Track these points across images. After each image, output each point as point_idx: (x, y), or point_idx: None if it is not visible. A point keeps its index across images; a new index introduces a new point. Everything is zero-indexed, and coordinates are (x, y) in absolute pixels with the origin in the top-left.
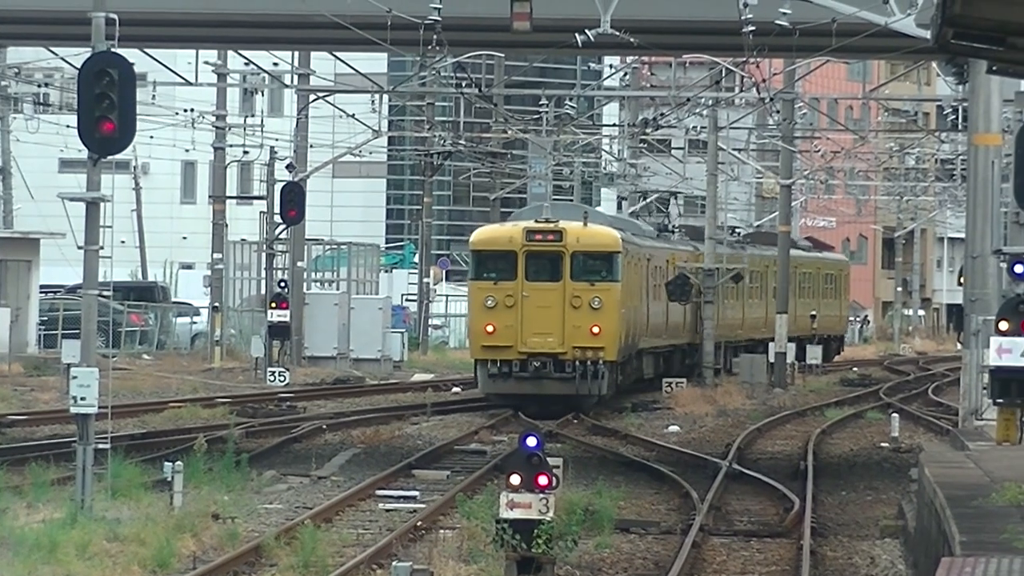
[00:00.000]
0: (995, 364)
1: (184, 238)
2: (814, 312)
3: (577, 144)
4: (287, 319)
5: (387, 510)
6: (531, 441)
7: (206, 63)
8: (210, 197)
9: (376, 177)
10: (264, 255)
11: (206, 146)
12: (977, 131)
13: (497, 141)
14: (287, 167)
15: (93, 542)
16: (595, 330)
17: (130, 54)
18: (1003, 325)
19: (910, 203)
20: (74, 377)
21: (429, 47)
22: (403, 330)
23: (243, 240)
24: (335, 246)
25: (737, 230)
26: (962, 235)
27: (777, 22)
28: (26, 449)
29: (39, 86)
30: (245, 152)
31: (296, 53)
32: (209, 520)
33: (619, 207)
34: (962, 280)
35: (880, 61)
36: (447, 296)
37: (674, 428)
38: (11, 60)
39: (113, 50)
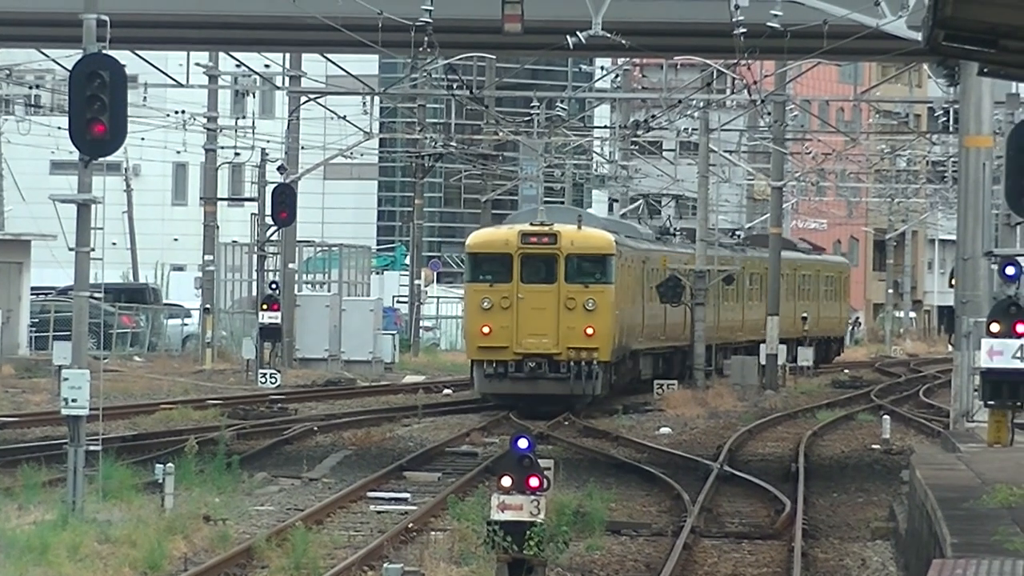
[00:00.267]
0: (986, 366)
1: (175, 240)
2: (805, 314)
3: (568, 146)
4: (278, 321)
5: (378, 512)
6: (522, 443)
7: (197, 65)
8: (201, 199)
9: (367, 179)
10: (255, 257)
11: (197, 148)
12: (968, 133)
13: (488, 143)
14: (278, 169)
15: (84, 544)
16: (589, 331)
17: (121, 56)
18: (994, 327)
19: (901, 205)
20: (65, 379)
21: (420, 49)
22: (394, 332)
23: (234, 242)
24: (326, 248)
25: (737, 232)
26: (953, 237)
27: (768, 24)
28: (17, 451)
29: (30, 88)
30: (236, 154)
31: (287, 55)
32: (200, 522)
33: (610, 209)
34: (953, 282)
35: (871, 63)
36: (438, 298)
37: (665, 430)
38: (2, 62)
39: (104, 52)
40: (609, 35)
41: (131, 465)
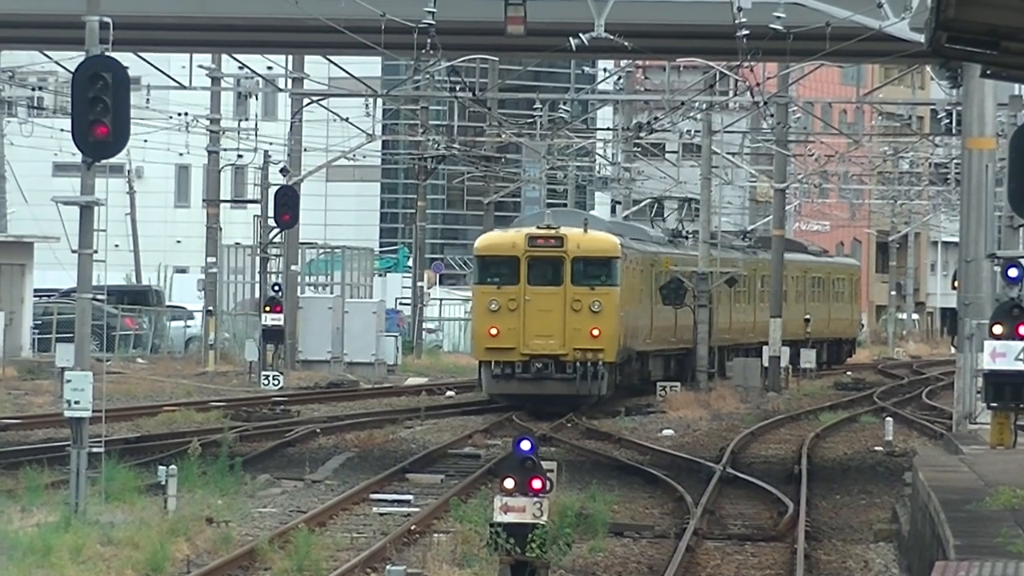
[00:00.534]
0: (989, 368)
1: (178, 242)
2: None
3: (571, 148)
4: (281, 323)
5: (381, 514)
6: (525, 445)
7: (200, 67)
8: (204, 201)
9: (370, 181)
10: (258, 259)
11: (200, 150)
12: (971, 135)
13: (491, 145)
14: (281, 171)
15: (87, 546)
16: (595, 332)
17: (124, 58)
18: (997, 329)
19: (904, 207)
20: (68, 381)
21: (423, 51)
22: (397, 334)
23: (237, 244)
24: (329, 250)
25: (749, 234)
26: (956, 239)
27: (771, 26)
28: (20, 453)
29: (33, 90)
30: (239, 156)
31: (290, 57)
32: (203, 524)
33: (613, 211)
34: (956, 284)
35: (874, 65)
36: (441, 300)
37: (668, 432)
38: (5, 64)
39: (107, 54)
40: (612, 37)
41: (134, 467)
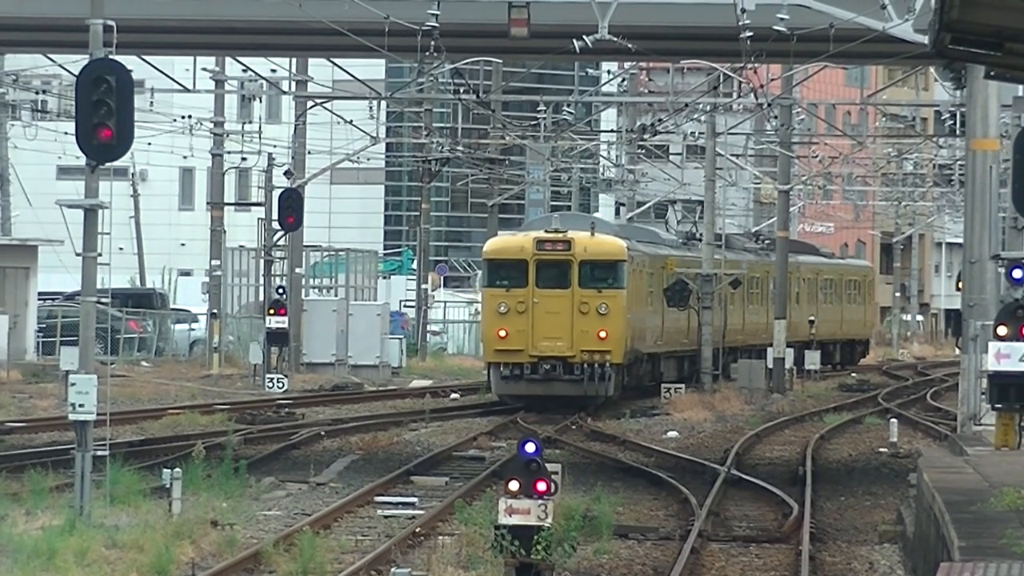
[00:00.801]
0: (993, 369)
1: (182, 245)
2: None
3: (575, 150)
4: (285, 325)
5: (386, 516)
6: (529, 447)
7: (204, 70)
8: (208, 204)
9: (374, 183)
10: (262, 262)
11: (204, 153)
12: (975, 136)
13: (495, 147)
14: (285, 174)
15: (92, 549)
16: (602, 334)
17: (128, 61)
18: (1001, 330)
19: (908, 208)
20: (72, 384)
21: (427, 53)
22: (401, 336)
23: (241, 247)
24: (333, 252)
25: (761, 237)
26: (960, 240)
27: (775, 28)
28: (24, 456)
29: (37, 93)
30: (243, 159)
31: (294, 60)
32: (208, 527)
33: (617, 213)
34: (960, 285)
35: (878, 66)
36: (445, 302)
37: (673, 434)
38: (9, 67)
39: (111, 57)
40: (616, 39)
41: (138, 470)
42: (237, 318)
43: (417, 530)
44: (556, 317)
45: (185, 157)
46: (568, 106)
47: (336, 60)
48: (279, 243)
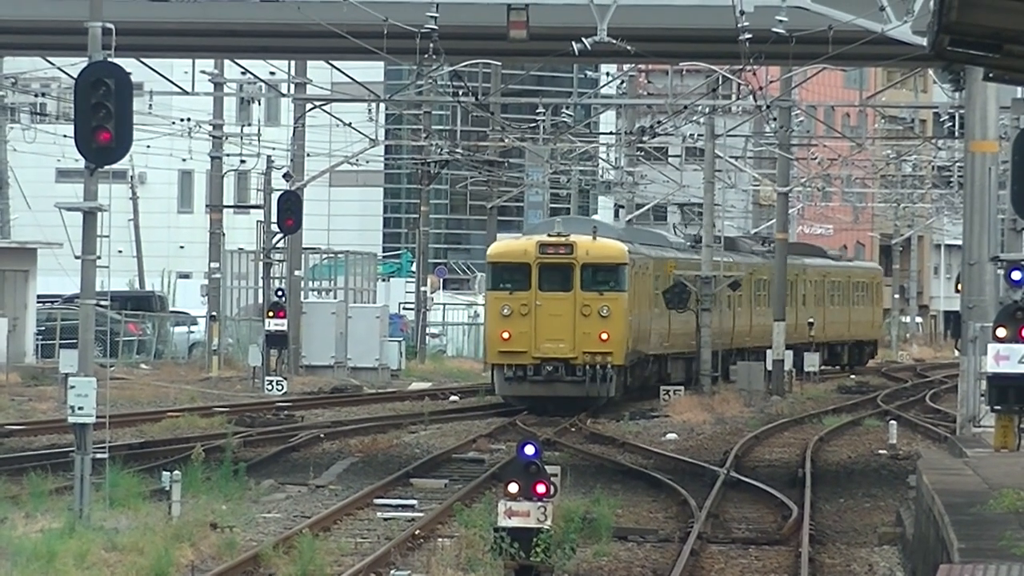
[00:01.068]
0: (993, 371)
1: (181, 247)
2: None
3: (574, 152)
4: (284, 328)
5: (385, 519)
6: (529, 449)
7: (202, 72)
8: (207, 206)
9: (373, 186)
10: (261, 264)
11: (203, 155)
12: (974, 138)
13: (494, 149)
14: (284, 176)
15: (91, 551)
16: (604, 336)
17: (127, 64)
18: (1000, 332)
19: (907, 210)
20: (72, 387)
21: (426, 56)
22: (400, 339)
23: (240, 249)
24: (332, 255)
25: (769, 240)
26: (959, 242)
27: (774, 30)
28: (24, 459)
29: (36, 96)
30: (242, 161)
31: (292, 62)
32: (207, 529)
33: (616, 215)
34: (959, 287)
35: (877, 68)
36: (444, 305)
37: (672, 436)
38: (7, 70)
39: (110, 60)
40: (614, 41)
41: (138, 473)
42: (236, 320)
43: (416, 532)
44: (558, 319)
45: (184, 160)
46: (567, 108)
47: (335, 62)
48: (278, 245)
